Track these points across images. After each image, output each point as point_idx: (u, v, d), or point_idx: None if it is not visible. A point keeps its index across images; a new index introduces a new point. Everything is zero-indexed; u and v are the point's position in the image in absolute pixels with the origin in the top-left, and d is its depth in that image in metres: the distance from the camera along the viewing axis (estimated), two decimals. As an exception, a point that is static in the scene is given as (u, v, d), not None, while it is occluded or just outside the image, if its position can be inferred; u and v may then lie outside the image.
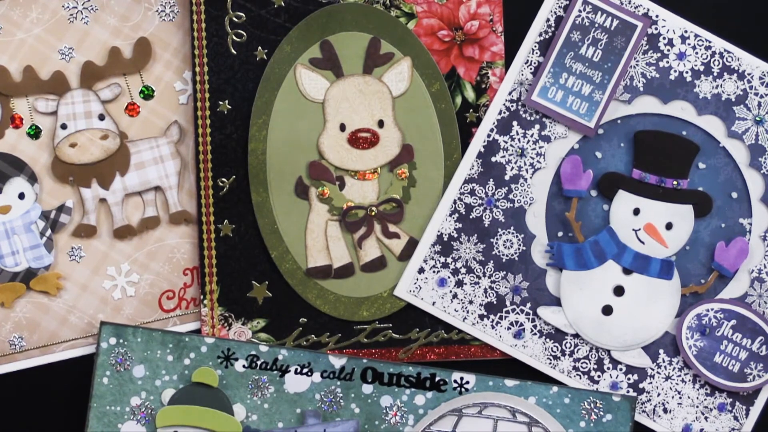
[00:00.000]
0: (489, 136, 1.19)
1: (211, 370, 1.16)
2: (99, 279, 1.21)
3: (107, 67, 1.20)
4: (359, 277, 1.20)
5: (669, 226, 1.18)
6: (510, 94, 1.19)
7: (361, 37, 1.19)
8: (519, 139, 1.19)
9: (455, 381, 1.16)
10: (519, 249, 1.19)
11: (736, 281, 1.18)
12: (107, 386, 1.16)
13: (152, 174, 1.21)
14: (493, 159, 1.19)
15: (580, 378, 1.19)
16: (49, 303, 1.21)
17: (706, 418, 1.19)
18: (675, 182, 1.18)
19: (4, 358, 1.21)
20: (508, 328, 1.19)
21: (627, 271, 1.18)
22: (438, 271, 1.19)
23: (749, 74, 1.18)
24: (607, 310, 1.18)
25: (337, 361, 1.17)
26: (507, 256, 1.19)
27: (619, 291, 1.18)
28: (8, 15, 1.20)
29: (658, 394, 1.19)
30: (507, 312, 1.19)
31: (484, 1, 1.19)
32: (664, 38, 1.18)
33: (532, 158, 1.19)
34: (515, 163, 1.19)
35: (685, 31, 1.18)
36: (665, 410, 1.19)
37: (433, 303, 1.19)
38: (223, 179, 1.20)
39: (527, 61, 1.19)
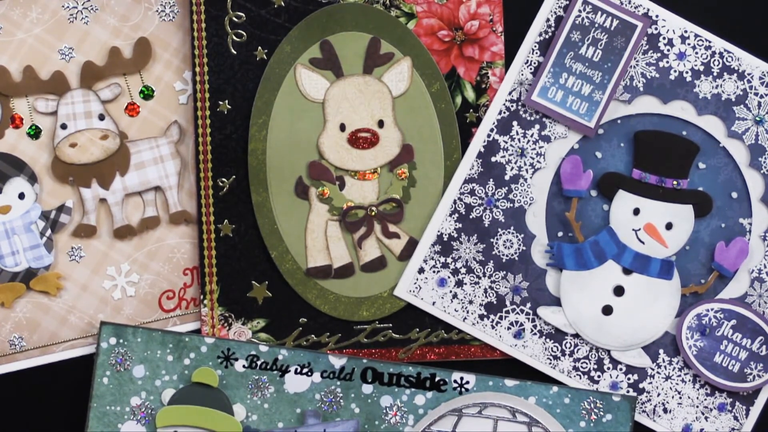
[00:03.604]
0: (489, 136, 1.19)
1: (211, 370, 1.16)
2: (99, 279, 1.21)
3: (107, 67, 1.20)
4: (359, 277, 1.20)
5: (669, 226, 1.18)
6: (510, 94, 1.19)
7: (361, 37, 1.19)
8: (519, 139, 1.19)
9: (455, 381, 1.16)
10: (519, 249, 1.19)
11: (736, 281, 1.18)
12: (107, 386, 1.16)
13: (152, 174, 1.21)
14: (493, 159, 1.19)
15: (580, 378, 1.19)
16: (49, 303, 1.21)
17: (706, 418, 1.19)
18: (675, 182, 1.18)
19: (4, 358, 1.21)
20: (508, 328, 1.19)
21: (627, 271, 1.18)
22: (438, 271, 1.19)
23: (749, 74, 1.18)
24: (607, 310, 1.18)
25: (337, 361, 1.17)
26: (507, 256, 1.19)
27: (619, 291, 1.18)
28: (8, 15, 1.20)
29: (658, 394, 1.19)
30: (507, 312, 1.19)
31: (484, 1, 1.19)
32: (664, 38, 1.18)
33: (532, 158, 1.19)
34: (515, 163, 1.19)
35: (685, 31, 1.18)
36: (665, 410, 1.19)
37: (433, 303, 1.19)
38: (223, 179, 1.20)
39: (527, 61, 1.19)
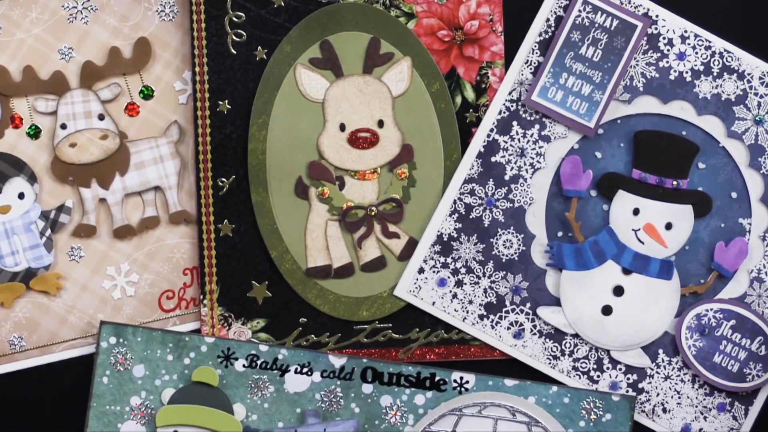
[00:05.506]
0: (489, 136, 1.19)
1: (211, 369, 1.16)
2: (99, 279, 1.21)
3: (107, 67, 1.20)
4: (359, 277, 1.20)
5: (668, 226, 1.18)
6: (510, 94, 1.19)
7: (361, 37, 1.19)
8: (519, 139, 1.19)
9: (455, 381, 1.16)
10: (519, 249, 1.19)
11: (736, 281, 1.19)
12: (107, 386, 1.16)
13: (152, 174, 1.21)
14: (493, 159, 1.19)
15: (580, 378, 1.19)
16: (49, 303, 1.21)
17: (705, 417, 1.19)
18: (675, 182, 1.18)
19: (4, 358, 1.21)
20: (508, 328, 1.20)
21: (626, 271, 1.18)
22: (438, 271, 1.19)
23: (749, 74, 1.18)
24: (607, 310, 1.18)
25: (337, 361, 1.17)
26: (507, 256, 1.19)
27: (618, 291, 1.18)
28: (8, 15, 1.19)
29: (658, 394, 1.19)
30: (507, 312, 1.19)
31: (484, 1, 1.19)
32: (664, 38, 1.18)
33: (532, 158, 1.19)
34: (515, 163, 1.19)
35: (685, 31, 1.18)
36: (664, 410, 1.19)
37: (433, 303, 1.20)
38: (223, 179, 1.20)
39: (527, 61, 1.19)
